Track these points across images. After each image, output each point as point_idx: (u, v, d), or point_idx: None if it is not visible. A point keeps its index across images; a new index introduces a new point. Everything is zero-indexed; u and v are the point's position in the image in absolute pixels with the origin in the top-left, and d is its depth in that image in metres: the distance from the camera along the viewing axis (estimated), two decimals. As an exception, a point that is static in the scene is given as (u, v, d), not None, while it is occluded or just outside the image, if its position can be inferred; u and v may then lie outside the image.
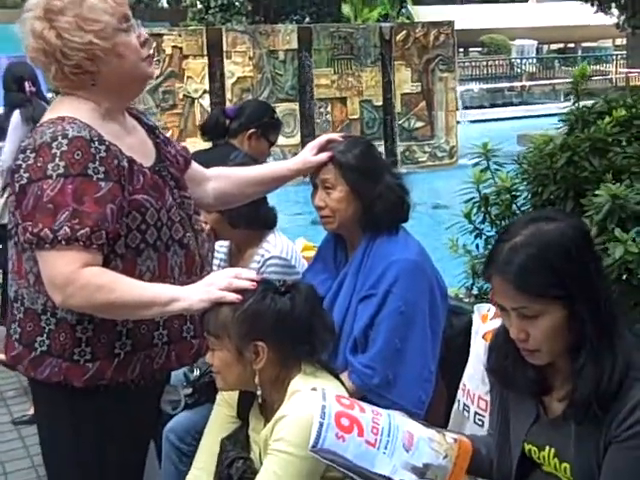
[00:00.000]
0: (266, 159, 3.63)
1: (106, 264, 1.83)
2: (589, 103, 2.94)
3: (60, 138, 1.80)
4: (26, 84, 4.81)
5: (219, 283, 1.86)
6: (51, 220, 1.76)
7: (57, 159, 1.78)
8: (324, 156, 2.31)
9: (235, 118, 3.55)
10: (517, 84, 26.22)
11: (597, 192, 2.44)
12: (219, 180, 2.33)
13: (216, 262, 2.97)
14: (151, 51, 2.00)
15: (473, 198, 2.94)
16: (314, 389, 1.74)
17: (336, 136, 2.39)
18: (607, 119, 2.70)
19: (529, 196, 2.89)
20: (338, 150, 2.32)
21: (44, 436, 2.06)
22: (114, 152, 1.85)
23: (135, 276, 1.87)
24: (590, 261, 1.59)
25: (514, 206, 2.87)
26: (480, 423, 2.22)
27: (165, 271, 1.94)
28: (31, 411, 3.95)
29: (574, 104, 2.93)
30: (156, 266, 1.92)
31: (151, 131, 2.13)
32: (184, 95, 11.38)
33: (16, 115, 4.74)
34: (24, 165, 1.82)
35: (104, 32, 1.87)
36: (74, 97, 1.93)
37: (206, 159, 2.74)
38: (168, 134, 10.92)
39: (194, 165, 2.27)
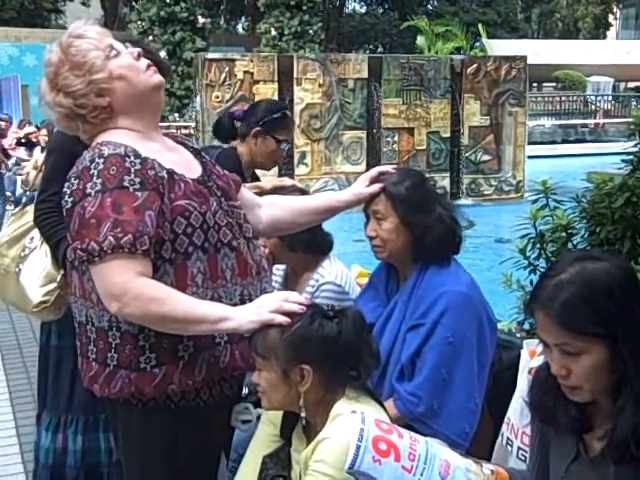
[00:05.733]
0: (278, 159, 3.51)
1: (155, 270, 1.90)
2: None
3: (97, 159, 1.90)
4: None
5: (269, 305, 1.90)
6: (95, 233, 1.83)
7: (95, 178, 1.87)
8: (376, 188, 2.35)
9: (244, 120, 3.47)
10: (591, 121, 25.86)
11: (654, 233, 2.42)
12: (272, 208, 2.38)
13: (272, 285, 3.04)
14: (147, 62, 2.06)
15: (529, 234, 2.95)
16: (354, 412, 1.78)
17: (389, 168, 2.43)
18: (669, 161, 2.69)
19: (586, 235, 2.88)
20: (390, 182, 2.35)
21: (121, 455, 2.16)
22: (151, 164, 1.93)
23: (188, 278, 1.94)
24: (634, 302, 1.59)
25: (570, 244, 2.87)
26: (523, 458, 2.21)
27: (216, 272, 2.00)
28: None
29: (636, 145, 2.91)
30: (206, 267, 1.98)
31: (197, 152, 2.21)
32: (253, 119, 11.55)
33: None
34: (68, 191, 1.93)
35: (96, 66, 1.99)
36: (107, 130, 2.03)
37: None
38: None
39: (245, 190, 2.33)
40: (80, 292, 2.00)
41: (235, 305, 1.98)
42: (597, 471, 1.64)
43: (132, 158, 1.91)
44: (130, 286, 1.82)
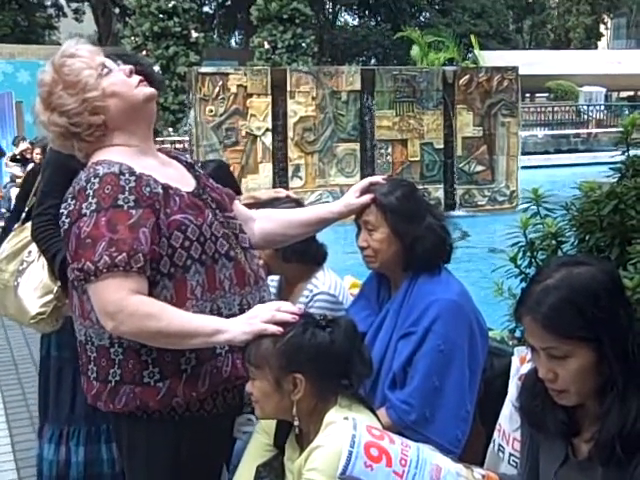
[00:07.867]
0: None
1: (154, 285, 1.93)
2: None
3: (92, 179, 1.92)
4: None
5: (262, 315, 1.93)
6: (91, 253, 1.86)
7: (90, 198, 1.90)
8: (366, 198, 2.37)
9: None
10: (583, 131, 25.94)
11: (642, 240, 2.45)
12: (265, 221, 2.41)
13: (270, 294, 3.06)
14: (139, 78, 2.10)
15: (520, 242, 2.97)
16: (346, 418, 1.80)
17: (379, 179, 2.45)
18: (656, 168, 2.72)
19: (575, 242, 2.91)
20: (380, 192, 2.38)
21: (125, 466, 2.18)
22: (145, 180, 1.96)
23: (188, 292, 1.96)
24: (619, 306, 1.61)
25: (560, 252, 2.89)
26: (514, 464, 2.23)
27: (214, 283, 2.02)
28: None
29: (623, 153, 2.95)
30: (205, 280, 2.00)
31: (191, 166, 2.23)
32: (247, 132, 11.61)
33: None
34: (65, 212, 1.96)
35: (89, 85, 2.02)
36: (103, 148, 2.06)
37: None
38: (230, 170, 11.21)
39: (238, 204, 2.36)
40: (79, 312, 2.02)
41: (234, 315, 2.01)
42: (585, 474, 1.66)
43: (127, 176, 1.93)
44: (125, 304, 1.85)
